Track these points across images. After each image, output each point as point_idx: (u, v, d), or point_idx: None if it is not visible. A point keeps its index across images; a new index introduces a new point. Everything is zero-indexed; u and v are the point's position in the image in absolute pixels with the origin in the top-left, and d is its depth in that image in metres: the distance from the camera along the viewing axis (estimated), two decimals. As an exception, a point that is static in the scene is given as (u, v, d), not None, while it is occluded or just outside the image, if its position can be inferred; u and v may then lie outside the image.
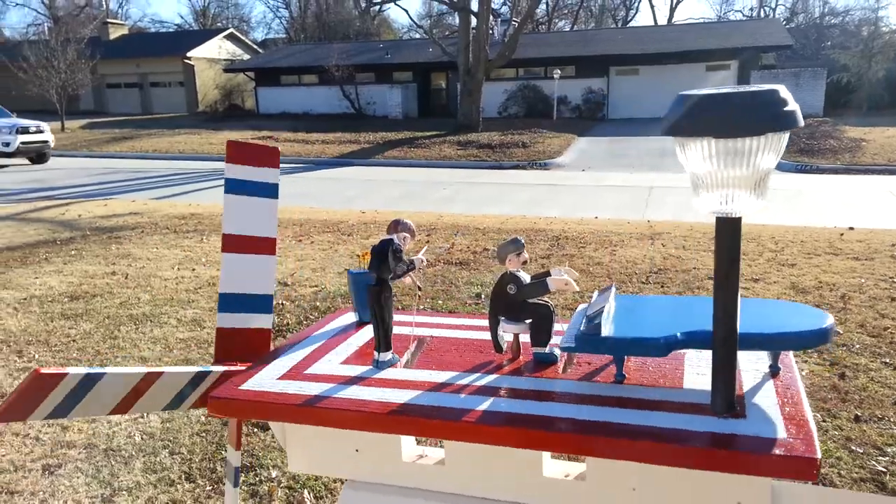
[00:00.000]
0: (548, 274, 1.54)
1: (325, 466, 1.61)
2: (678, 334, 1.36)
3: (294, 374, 1.54)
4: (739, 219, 1.20)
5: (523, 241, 1.56)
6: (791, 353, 1.53)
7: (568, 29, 46.31)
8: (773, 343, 1.37)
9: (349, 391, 1.44)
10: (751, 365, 1.52)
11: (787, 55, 29.80)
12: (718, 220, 1.21)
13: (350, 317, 1.95)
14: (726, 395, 1.28)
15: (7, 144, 17.60)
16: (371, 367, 1.56)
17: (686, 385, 1.43)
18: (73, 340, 4.65)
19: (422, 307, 5.20)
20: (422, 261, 1.62)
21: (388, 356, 1.56)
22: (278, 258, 6.86)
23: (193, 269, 6.56)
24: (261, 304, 1.69)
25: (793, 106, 1.10)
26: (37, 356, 4.38)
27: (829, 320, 1.38)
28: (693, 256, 6.70)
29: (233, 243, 1.67)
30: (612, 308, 1.50)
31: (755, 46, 26.25)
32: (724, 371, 1.27)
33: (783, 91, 1.11)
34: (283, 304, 5.39)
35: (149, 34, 49.78)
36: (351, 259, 6.83)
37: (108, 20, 43.61)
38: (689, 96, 1.14)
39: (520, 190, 13.08)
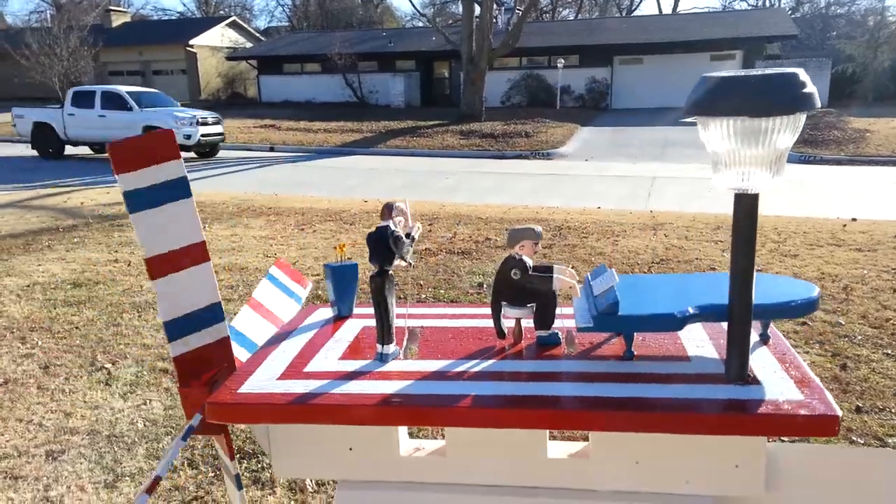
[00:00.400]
0: (550, 268, 1.53)
1: (316, 468, 1.54)
2: (691, 309, 1.41)
3: (293, 372, 1.48)
4: (756, 195, 1.27)
5: (541, 232, 1.56)
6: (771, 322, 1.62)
7: (572, 18, 46.06)
8: (769, 313, 1.45)
9: (360, 386, 1.40)
10: None
11: (793, 45, 29.64)
12: (736, 196, 1.29)
13: (324, 312, 1.89)
14: (741, 364, 1.35)
15: (188, 137, 16.05)
16: (371, 360, 1.52)
17: (691, 357, 1.49)
18: (77, 327, 4.66)
19: (423, 297, 5.21)
20: (418, 227, 1.56)
21: (391, 348, 1.53)
22: (282, 246, 6.89)
23: (196, 258, 6.56)
24: (210, 316, 1.53)
25: (810, 89, 1.16)
26: (40, 343, 4.40)
27: (816, 291, 1.49)
28: (695, 247, 6.69)
29: (158, 266, 1.45)
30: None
31: (760, 36, 26.12)
32: (740, 341, 1.34)
33: (802, 74, 1.16)
34: (285, 292, 5.39)
35: (151, 22, 49.60)
36: (353, 248, 6.84)
37: (111, 7, 43.39)
38: (710, 78, 1.20)
39: (522, 180, 13.05)
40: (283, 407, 1.35)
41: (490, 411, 1.30)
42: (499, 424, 1.32)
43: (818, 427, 1.24)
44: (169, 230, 1.43)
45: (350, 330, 1.74)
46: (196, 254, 1.47)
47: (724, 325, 1.38)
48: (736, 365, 1.35)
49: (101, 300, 5.25)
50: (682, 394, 1.32)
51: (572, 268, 1.58)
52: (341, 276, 1.82)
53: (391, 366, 1.50)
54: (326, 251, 6.75)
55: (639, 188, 11.69)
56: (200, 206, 9.39)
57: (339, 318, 1.83)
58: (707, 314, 1.42)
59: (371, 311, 1.87)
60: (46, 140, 17.60)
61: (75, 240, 7.36)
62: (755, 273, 1.35)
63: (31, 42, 26.05)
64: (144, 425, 3.36)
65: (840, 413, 1.24)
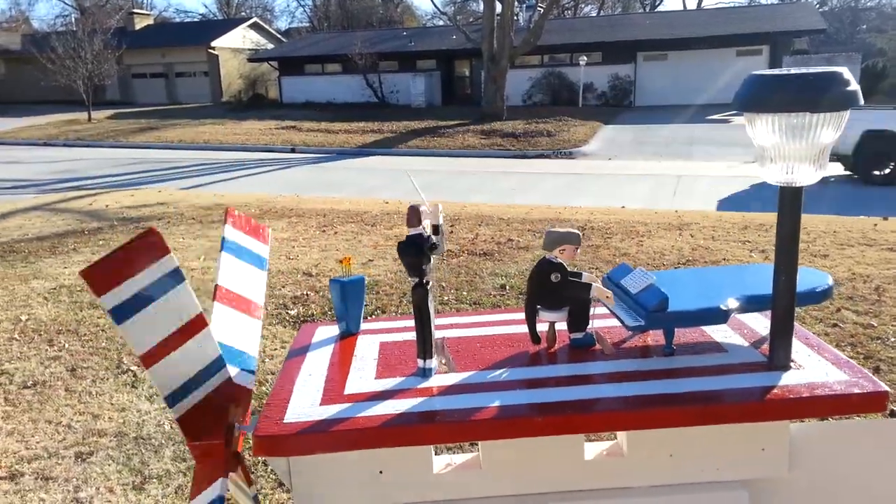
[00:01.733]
0: (580, 274, 1.53)
1: (343, 497, 1.45)
2: (735, 301, 1.48)
3: (333, 396, 1.42)
4: (801, 188, 1.34)
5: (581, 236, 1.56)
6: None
7: (594, 14, 45.74)
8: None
9: (409, 405, 1.36)
10: (754, 324, 1.65)
11: (821, 39, 29.18)
12: (782, 189, 1.35)
13: (325, 331, 1.82)
14: (787, 351, 1.42)
15: None
16: (408, 377, 1.48)
17: (726, 347, 1.54)
18: (102, 330, 4.71)
19: (445, 299, 5.19)
20: (440, 209, 1.51)
21: (433, 362, 1.47)
22: (303, 248, 6.91)
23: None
24: (212, 370, 1.43)
25: (853, 87, 1.24)
26: (67, 345, 4.45)
27: (830, 280, 1.60)
28: (723, 247, 6.58)
29: (152, 358, 1.35)
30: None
31: (787, 31, 25.70)
32: (785, 329, 1.41)
33: (846, 73, 1.24)
34: (307, 294, 5.40)
35: (173, 24, 50.16)
36: (375, 249, 6.83)
37: (134, 10, 44.02)
38: (758, 76, 1.29)
39: (544, 179, 12.97)
40: (344, 434, 1.29)
41: (532, 421, 1.29)
42: (542, 433, 1.31)
43: (871, 404, 1.31)
44: (159, 324, 1.33)
45: (368, 347, 1.68)
46: (192, 328, 1.36)
47: (742, 315, 1.44)
48: (781, 352, 1.41)
49: (127, 302, 5.30)
50: (732, 384, 1.36)
51: (597, 269, 1.59)
52: (349, 292, 1.75)
53: (432, 381, 1.45)
54: (348, 252, 6.76)
55: (664, 187, 11.56)
56: (223, 208, 9.45)
57: (349, 335, 1.77)
58: (750, 305, 1.48)
59: (377, 325, 1.83)
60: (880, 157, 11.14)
61: (100, 242, 7.44)
62: (770, 264, 1.41)
63: (56, 46, 26.44)
64: (171, 427, 3.38)
65: (888, 389, 1.30)
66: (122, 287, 1.26)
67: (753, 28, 25.94)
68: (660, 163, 14.70)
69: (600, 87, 27.92)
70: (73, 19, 46.00)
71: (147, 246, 1.28)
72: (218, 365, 1.41)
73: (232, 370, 1.45)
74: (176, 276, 1.32)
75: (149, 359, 1.33)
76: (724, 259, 6.13)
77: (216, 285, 1.54)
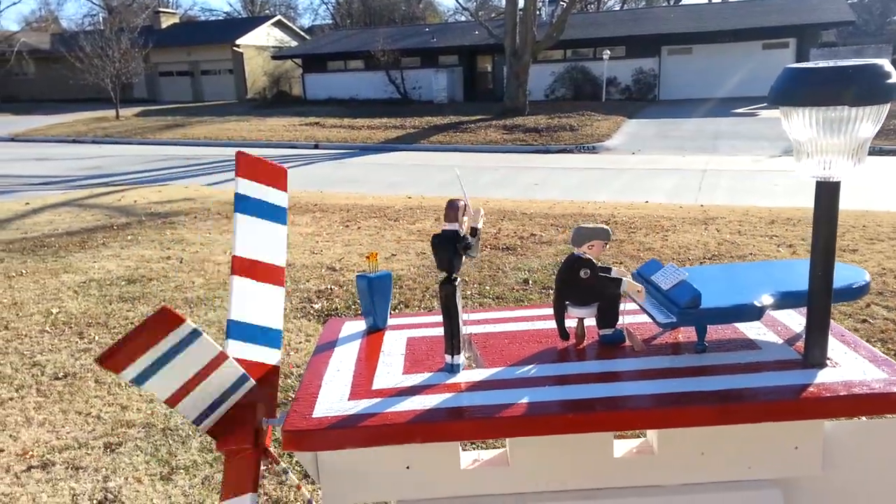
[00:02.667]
0: (609, 268, 1.51)
1: (372, 491, 1.46)
2: (770, 298, 1.44)
3: (361, 392, 1.42)
4: (838, 183, 1.32)
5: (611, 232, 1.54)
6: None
7: (618, 8, 45.30)
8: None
9: (437, 401, 1.35)
10: (788, 320, 1.62)
11: (849, 31, 28.59)
12: (818, 184, 1.33)
13: (352, 326, 1.82)
14: (823, 348, 1.39)
15: None
16: (436, 373, 1.47)
17: (760, 344, 1.50)
18: (131, 323, 4.79)
19: (468, 293, 5.18)
20: (481, 213, 1.50)
21: (461, 358, 1.47)
22: (327, 243, 6.96)
23: (244, 254, 6.67)
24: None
25: (893, 80, 1.18)
26: (97, 338, 4.53)
27: (867, 276, 1.55)
28: (749, 242, 6.50)
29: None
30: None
31: (815, 23, 25.22)
32: (821, 326, 1.37)
33: (886, 65, 1.19)
34: (331, 288, 5.44)
35: (199, 22, 50.67)
36: (398, 244, 6.85)
37: (160, 9, 44.51)
38: (794, 68, 1.25)
39: (567, 174, 12.90)
40: (373, 429, 1.28)
41: (562, 418, 1.28)
42: (572, 430, 1.30)
43: None
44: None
45: (396, 342, 1.68)
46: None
47: (775, 311, 1.40)
48: (817, 349, 1.38)
49: (154, 296, 5.39)
50: (766, 382, 1.33)
51: (621, 264, 1.56)
52: (376, 287, 1.75)
53: (460, 377, 1.45)
54: (371, 247, 6.79)
55: (689, 181, 11.42)
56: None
57: (375, 330, 1.77)
58: (785, 301, 1.45)
59: (403, 321, 1.82)
60: None
61: (129, 237, 7.56)
62: (804, 259, 1.39)
63: (84, 45, 26.85)
64: (197, 419, 3.42)
65: None
66: (141, 360, 1.28)
67: (780, 20, 25.50)
68: (684, 157, 14.53)
69: (624, 81, 27.66)
70: (100, 18, 46.67)
71: (161, 323, 1.28)
72: (241, 381, 1.42)
73: (257, 351, 1.47)
74: (192, 337, 1.32)
75: (172, 400, 1.35)
76: (751, 254, 6.05)
77: (233, 256, 1.53)
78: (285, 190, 1.70)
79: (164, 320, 1.27)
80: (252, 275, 1.53)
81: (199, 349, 1.32)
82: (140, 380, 1.29)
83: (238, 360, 1.43)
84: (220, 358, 1.36)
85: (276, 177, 1.63)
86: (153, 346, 1.27)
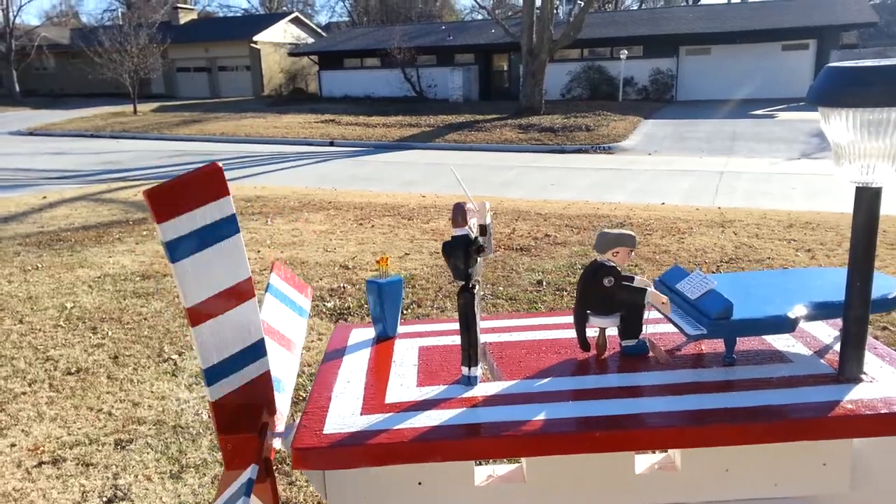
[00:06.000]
0: (633, 278, 1.44)
1: None
2: (803, 309, 1.38)
3: (373, 406, 1.35)
4: (879, 189, 1.25)
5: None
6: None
7: (636, 7, 45.00)
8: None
9: (454, 416, 1.29)
10: (816, 331, 1.55)
11: (871, 33, 28.19)
12: (858, 189, 1.26)
13: (360, 333, 1.76)
14: (859, 362, 1.33)
15: None
16: (451, 385, 1.41)
17: (790, 357, 1.44)
18: (145, 318, 4.79)
19: (482, 294, 5.14)
20: (488, 208, 1.42)
21: (478, 370, 1.40)
22: (341, 241, 6.94)
23: (258, 251, 6.68)
24: (253, 354, 1.39)
25: None
26: (110, 333, 4.54)
27: None
28: (767, 245, 6.41)
29: (199, 314, 1.31)
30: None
31: (836, 24, 24.90)
32: (858, 339, 1.32)
33: None
34: (344, 286, 5.42)
35: (217, 19, 50.95)
36: (412, 243, 6.83)
37: (178, 5, 44.75)
38: (835, 68, 1.19)
39: (583, 174, 12.81)
40: (387, 447, 1.22)
41: (582, 436, 1.22)
42: (592, 451, 1.25)
43: None
44: (212, 274, 1.29)
45: (407, 352, 1.62)
46: (241, 292, 1.32)
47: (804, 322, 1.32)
48: (853, 364, 1.33)
49: (168, 292, 5.39)
50: (799, 398, 1.27)
51: (637, 268, 1.50)
52: (387, 293, 1.68)
53: (476, 391, 1.38)
54: (385, 246, 6.76)
55: (706, 183, 11.31)
56: (263, 201, 9.56)
57: (385, 338, 1.70)
58: (819, 312, 1.39)
59: (414, 328, 1.76)
60: None
61: (144, 233, 7.59)
62: (838, 268, 1.33)
63: (103, 40, 27.06)
64: (209, 416, 3.41)
65: None
66: (182, 220, 1.21)
67: (800, 21, 25.21)
68: (702, 158, 14.39)
69: (641, 81, 27.47)
70: (119, 14, 47.06)
71: (209, 179, 1.22)
72: (258, 351, 1.36)
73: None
74: (232, 224, 1.28)
75: (195, 315, 1.28)
76: (769, 258, 5.96)
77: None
78: (308, 298, 1.92)
79: (214, 178, 1.23)
80: (273, 337, 1.58)
81: (234, 252, 1.28)
82: (174, 251, 1.23)
83: (229, 396, 1.34)
84: (249, 287, 1.31)
85: (302, 287, 1.85)
86: (196, 206, 1.22)
